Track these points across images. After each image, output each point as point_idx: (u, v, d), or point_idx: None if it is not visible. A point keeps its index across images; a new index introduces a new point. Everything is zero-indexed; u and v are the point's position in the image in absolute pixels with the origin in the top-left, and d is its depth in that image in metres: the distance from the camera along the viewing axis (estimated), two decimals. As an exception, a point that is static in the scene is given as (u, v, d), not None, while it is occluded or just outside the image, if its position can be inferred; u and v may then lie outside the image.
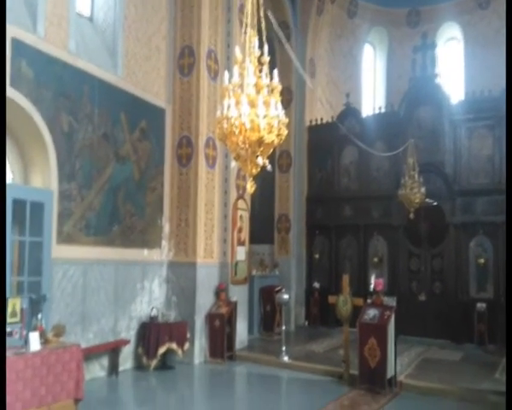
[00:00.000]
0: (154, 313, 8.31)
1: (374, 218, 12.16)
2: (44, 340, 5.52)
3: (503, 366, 7.91)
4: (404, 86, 12.33)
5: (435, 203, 10.90)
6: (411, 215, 10.05)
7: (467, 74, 14.58)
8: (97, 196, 7.53)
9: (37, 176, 6.91)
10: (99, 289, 7.56)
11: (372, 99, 15.91)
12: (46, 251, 6.59)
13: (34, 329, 5.49)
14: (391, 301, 7.58)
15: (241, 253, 9.89)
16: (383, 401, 6.67)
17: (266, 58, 4.12)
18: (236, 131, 3.92)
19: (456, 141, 11.11)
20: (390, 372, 7.11)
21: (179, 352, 8.21)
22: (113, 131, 7.84)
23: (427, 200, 10.28)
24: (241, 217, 9.85)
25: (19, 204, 6.26)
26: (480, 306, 10.29)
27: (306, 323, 12.73)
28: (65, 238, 6.96)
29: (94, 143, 7.49)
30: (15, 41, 6.31)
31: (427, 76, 11.66)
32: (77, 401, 5.61)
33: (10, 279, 6.08)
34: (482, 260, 10.70)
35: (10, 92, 6.23)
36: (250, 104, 3.95)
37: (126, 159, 8.12)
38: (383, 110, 12.34)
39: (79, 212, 7.22)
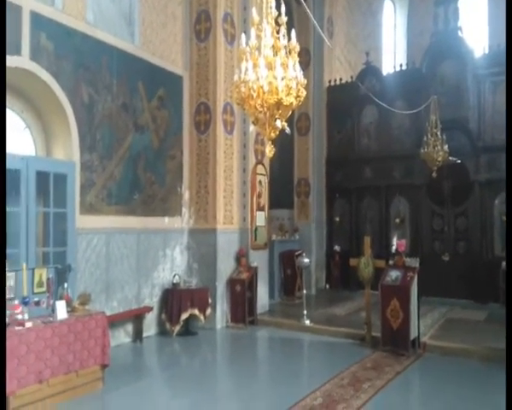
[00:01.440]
0: (176, 279, 8.45)
1: (395, 178, 12.05)
2: (71, 308, 5.69)
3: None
4: (426, 42, 12.14)
5: (459, 161, 10.76)
6: (434, 174, 9.94)
7: (491, 27, 14.14)
8: (118, 165, 7.62)
9: (59, 148, 7.00)
10: (122, 258, 7.72)
11: (393, 57, 15.62)
12: (70, 222, 6.72)
13: (61, 298, 5.64)
14: (414, 262, 7.48)
15: (261, 218, 9.92)
16: (407, 362, 6.70)
17: (284, 18, 4.05)
18: (254, 95, 3.89)
19: (480, 96, 10.92)
20: (413, 334, 7.09)
21: (201, 317, 8.35)
22: (131, 101, 7.87)
23: (450, 158, 10.13)
24: (260, 182, 9.86)
25: (42, 176, 6.38)
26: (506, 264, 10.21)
27: (327, 286, 12.81)
28: (88, 208, 7.09)
29: (113, 114, 7.54)
30: (34, 14, 6.31)
31: (450, 30, 11.37)
32: (103, 366, 5.78)
33: (36, 250, 6.25)
34: (507, 218, 10.59)
35: (31, 66, 6.29)
36: (268, 66, 3.92)
37: (145, 128, 8.15)
38: (404, 67, 12.16)
39: (101, 182, 7.32)
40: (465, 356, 6.95)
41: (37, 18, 6.33)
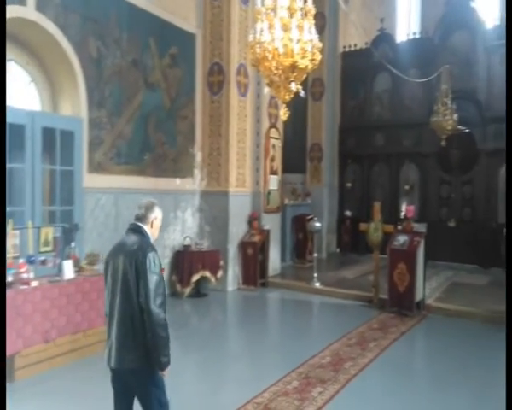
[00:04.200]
0: (187, 241, 8.12)
1: (405, 146, 11.69)
2: (78, 268, 5.38)
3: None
4: (440, 11, 11.52)
5: (467, 130, 10.36)
6: (443, 142, 9.63)
7: (502, -2, 13.21)
8: (128, 123, 7.13)
9: (66, 104, 6.52)
10: (131, 219, 7.12)
11: (407, 24, 14.91)
12: (77, 180, 6.32)
13: (67, 257, 5.28)
14: (421, 228, 7.36)
15: (274, 182, 9.62)
16: (411, 323, 6.64)
17: (300, -21, 3.88)
18: (269, 56, 3.76)
19: (490, 67, 10.54)
20: (418, 296, 7.02)
21: (212, 279, 8.08)
22: (142, 58, 7.37)
23: (459, 127, 9.74)
24: (273, 146, 9.50)
25: (48, 132, 5.95)
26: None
27: (338, 250, 12.61)
28: (96, 167, 6.64)
29: (123, 70, 7.03)
30: (40, -37, 5.74)
31: (463, 0, 10.83)
32: (112, 327, 5.41)
33: (42, 208, 5.88)
34: (512, 187, 10.07)
35: (36, 17, 5.81)
36: (283, 28, 3.79)
37: (156, 86, 7.66)
38: (418, 36, 11.69)
39: (110, 140, 6.84)
40: (467, 318, 6.83)
41: (43, -33, 5.75)
